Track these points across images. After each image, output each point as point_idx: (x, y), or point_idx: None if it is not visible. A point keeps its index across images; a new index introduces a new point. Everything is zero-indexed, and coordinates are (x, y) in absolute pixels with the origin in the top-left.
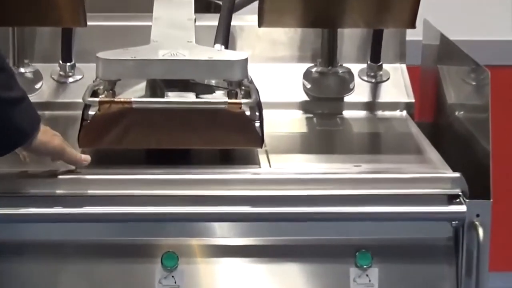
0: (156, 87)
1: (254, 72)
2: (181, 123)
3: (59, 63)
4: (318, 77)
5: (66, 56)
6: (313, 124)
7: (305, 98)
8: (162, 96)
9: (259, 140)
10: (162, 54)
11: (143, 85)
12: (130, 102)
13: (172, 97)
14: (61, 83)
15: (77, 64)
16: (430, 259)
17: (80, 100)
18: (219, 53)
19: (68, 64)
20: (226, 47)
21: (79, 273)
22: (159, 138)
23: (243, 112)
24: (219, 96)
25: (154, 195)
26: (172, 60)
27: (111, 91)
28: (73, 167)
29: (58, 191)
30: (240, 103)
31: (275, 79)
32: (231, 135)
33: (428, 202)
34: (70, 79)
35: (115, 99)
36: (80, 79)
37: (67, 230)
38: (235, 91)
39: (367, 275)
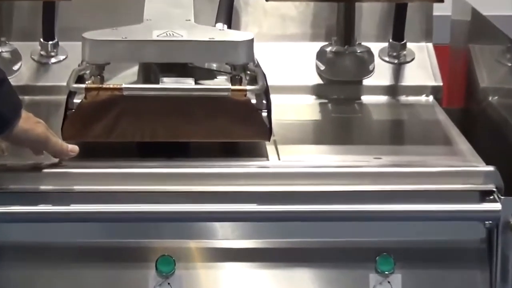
0: (150, 72)
1: (261, 52)
2: (178, 113)
3: (40, 41)
4: (333, 58)
5: (48, 33)
6: (328, 111)
7: (319, 81)
8: (157, 82)
9: (267, 132)
10: (157, 34)
11: (135, 69)
12: (120, 89)
13: (168, 83)
14: (42, 64)
15: (60, 43)
16: (460, 264)
17: (65, 84)
18: (221, 33)
19: (50, 42)
20: (229, 26)
21: (64, 279)
22: (154, 130)
23: (249, 100)
24: (221, 82)
25: (148, 191)
26: (168, 42)
27: (99, 77)
28: (57, 160)
29: (42, 187)
30: (245, 90)
31: (284, 60)
32: (235, 126)
33: (458, 199)
34: (53, 60)
35: (104, 86)
36: (63, 59)
37: (50, 230)
38: (240, 77)
39: (388, 282)
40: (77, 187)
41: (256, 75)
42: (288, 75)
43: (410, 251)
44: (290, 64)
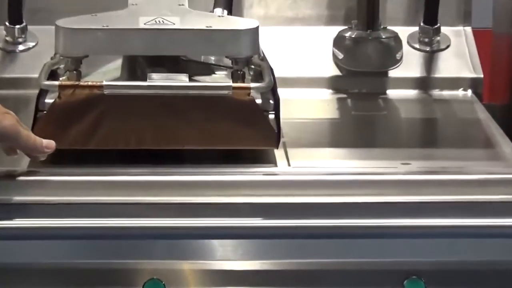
0: (135, 67)
1: (268, 38)
2: (169, 115)
3: (5, 25)
4: (354, 45)
5: (14, 16)
6: (347, 108)
7: (336, 72)
8: (144, 79)
9: (274, 138)
10: (144, 22)
11: (118, 64)
12: (100, 87)
13: (157, 80)
14: (8, 52)
15: (29, 27)
16: None
17: (35, 75)
18: (220, 20)
19: (18, 26)
20: (230, 12)
21: None
22: (140, 136)
23: (253, 100)
24: (221, 79)
25: (134, 202)
26: (157, 30)
27: (75, 72)
28: (29, 160)
29: (6, 197)
30: (249, 88)
31: (296, 47)
32: (237, 131)
33: (503, 212)
34: (20, 47)
35: (81, 83)
36: (33, 46)
37: (18, 249)
38: (242, 72)
39: None
40: (50, 198)
41: (261, 70)
42: (300, 65)
43: (444, 274)
44: (302, 52)
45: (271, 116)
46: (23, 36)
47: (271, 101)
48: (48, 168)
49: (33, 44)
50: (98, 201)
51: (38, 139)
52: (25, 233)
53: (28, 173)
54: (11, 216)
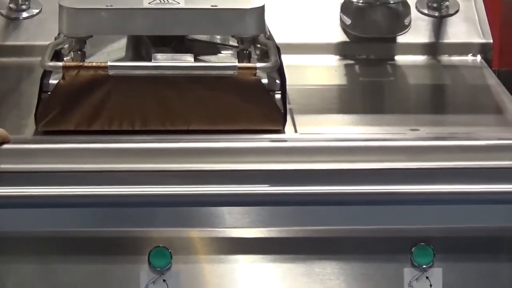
0: (140, 47)
1: (274, 4)
2: (175, 96)
3: None
4: (361, 10)
5: None
6: (355, 74)
7: (344, 38)
8: (149, 59)
9: (280, 118)
10: (148, 1)
11: (122, 44)
12: (105, 67)
13: (162, 60)
14: (11, 20)
15: None
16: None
17: (39, 43)
18: None
19: None
20: None
21: (36, 275)
22: (145, 116)
23: (259, 80)
24: (226, 59)
25: (139, 170)
26: (162, 10)
27: (79, 52)
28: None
29: (9, 166)
30: (255, 68)
31: (302, 13)
32: (242, 111)
33: (510, 178)
34: (24, 14)
35: (85, 64)
36: (37, 13)
37: (18, 217)
38: (248, 51)
39: (427, 278)
40: (53, 166)
41: (268, 49)
42: (307, 31)
43: (453, 241)
44: (309, 18)
45: (278, 96)
46: (26, 3)
47: (278, 81)
48: (53, 136)
49: (37, 11)
50: (103, 169)
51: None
52: (28, 202)
53: (32, 141)
54: (14, 184)
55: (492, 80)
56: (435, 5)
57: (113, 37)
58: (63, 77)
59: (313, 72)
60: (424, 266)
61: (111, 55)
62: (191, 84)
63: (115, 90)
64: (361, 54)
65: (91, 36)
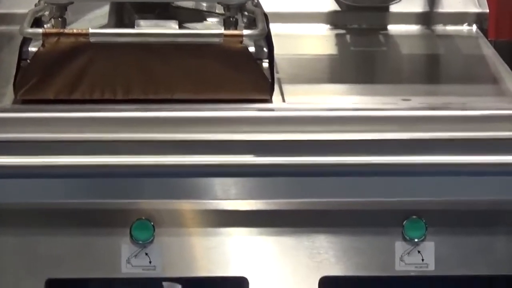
0: (123, 14)
1: None
2: (158, 64)
3: None
4: None
5: None
6: (346, 43)
7: (335, 7)
8: (132, 26)
9: (267, 87)
10: None
11: (105, 10)
12: (86, 35)
13: (146, 27)
14: None
15: None
16: (508, 229)
17: (19, 11)
18: None
19: None
20: None
21: (16, 247)
22: (128, 85)
23: (246, 48)
24: (212, 26)
25: (122, 139)
26: None
27: (60, 19)
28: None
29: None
30: (241, 35)
31: None
32: (229, 80)
33: (505, 149)
34: None
35: (66, 31)
36: None
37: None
38: (235, 19)
39: (418, 252)
40: (33, 135)
41: (255, 17)
42: (297, 0)
43: (445, 214)
44: None
45: (265, 65)
46: None
47: (265, 49)
48: (32, 105)
49: None
50: (84, 139)
51: None
52: (6, 172)
53: (11, 110)
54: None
55: (488, 50)
56: None
57: (95, 4)
58: (43, 45)
59: (303, 41)
60: (416, 240)
61: (92, 22)
62: (175, 52)
63: (97, 58)
64: (352, 23)
65: (72, 3)
